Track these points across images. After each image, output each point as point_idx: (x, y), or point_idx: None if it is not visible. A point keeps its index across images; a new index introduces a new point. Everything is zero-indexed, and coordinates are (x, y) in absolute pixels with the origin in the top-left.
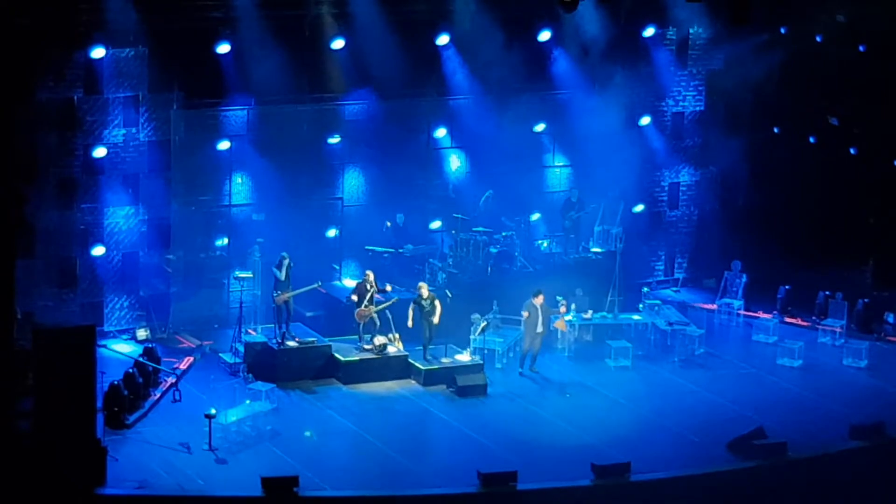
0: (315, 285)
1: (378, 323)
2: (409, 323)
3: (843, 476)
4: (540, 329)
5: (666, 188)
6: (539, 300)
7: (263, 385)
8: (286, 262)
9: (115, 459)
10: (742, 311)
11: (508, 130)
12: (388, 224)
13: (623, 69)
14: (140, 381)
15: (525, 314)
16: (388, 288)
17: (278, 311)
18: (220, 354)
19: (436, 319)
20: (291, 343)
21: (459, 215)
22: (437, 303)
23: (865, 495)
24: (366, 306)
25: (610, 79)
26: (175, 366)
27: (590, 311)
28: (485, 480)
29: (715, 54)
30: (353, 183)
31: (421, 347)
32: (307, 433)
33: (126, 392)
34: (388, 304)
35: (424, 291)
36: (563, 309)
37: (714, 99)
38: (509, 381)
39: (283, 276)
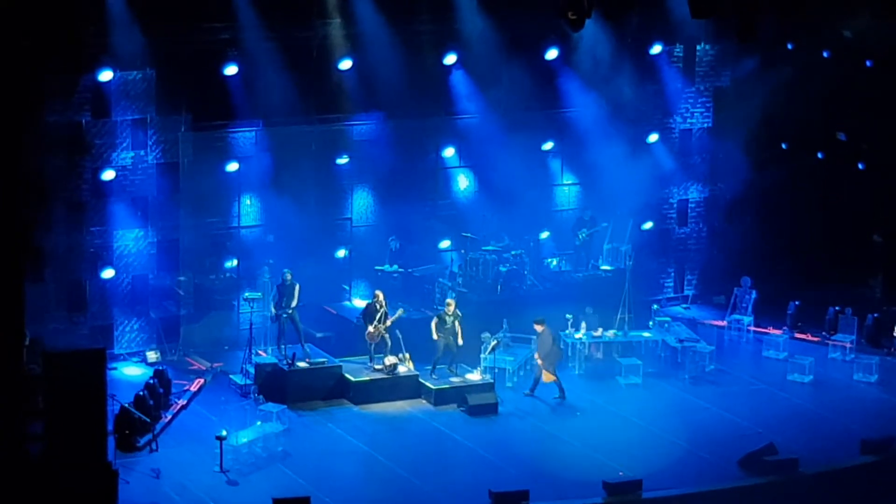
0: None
1: (389, 343)
2: (435, 336)
3: (854, 491)
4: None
5: (675, 205)
6: (539, 328)
7: (274, 406)
8: (286, 278)
9: (127, 482)
10: (752, 328)
11: (517, 149)
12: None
13: (630, 86)
14: (151, 404)
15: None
16: (400, 312)
17: (280, 329)
18: (231, 376)
19: (460, 340)
20: (302, 364)
21: (469, 234)
22: (458, 323)
23: None
24: (375, 326)
25: (617, 96)
26: (185, 388)
27: (600, 329)
28: (497, 499)
29: (722, 71)
30: (361, 203)
31: (430, 366)
32: None
33: (137, 415)
34: (396, 317)
35: (451, 307)
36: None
37: (722, 116)
38: (520, 400)
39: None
